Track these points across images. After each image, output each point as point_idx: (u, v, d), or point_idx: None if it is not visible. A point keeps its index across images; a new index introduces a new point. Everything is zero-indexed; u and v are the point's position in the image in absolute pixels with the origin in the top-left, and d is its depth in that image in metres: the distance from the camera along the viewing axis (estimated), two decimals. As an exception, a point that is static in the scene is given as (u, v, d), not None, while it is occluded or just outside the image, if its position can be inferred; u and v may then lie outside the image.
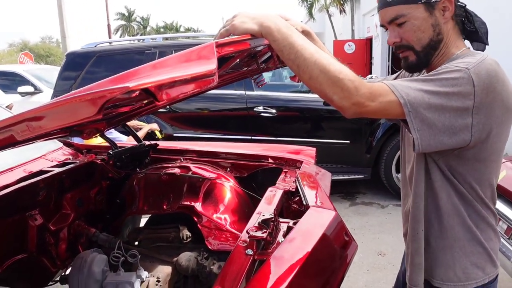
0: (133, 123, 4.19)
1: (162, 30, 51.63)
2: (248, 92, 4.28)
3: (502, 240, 2.05)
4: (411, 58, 1.11)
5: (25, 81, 7.96)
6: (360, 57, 13.09)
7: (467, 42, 1.14)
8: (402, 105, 0.95)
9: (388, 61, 12.13)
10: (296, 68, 0.98)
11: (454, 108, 0.95)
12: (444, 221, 1.12)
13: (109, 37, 19.05)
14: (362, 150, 4.14)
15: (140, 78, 0.77)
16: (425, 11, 1.05)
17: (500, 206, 2.19)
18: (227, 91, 4.38)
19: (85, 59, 4.72)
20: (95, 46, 4.87)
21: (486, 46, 1.13)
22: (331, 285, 1.15)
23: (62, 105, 0.81)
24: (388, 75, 11.73)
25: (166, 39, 5.18)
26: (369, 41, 13.41)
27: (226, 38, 1.02)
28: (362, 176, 4.18)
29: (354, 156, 4.19)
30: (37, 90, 7.80)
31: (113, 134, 3.93)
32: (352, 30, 15.19)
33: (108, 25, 19.42)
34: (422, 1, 1.04)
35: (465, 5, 1.11)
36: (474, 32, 1.12)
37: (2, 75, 8.23)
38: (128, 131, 2.41)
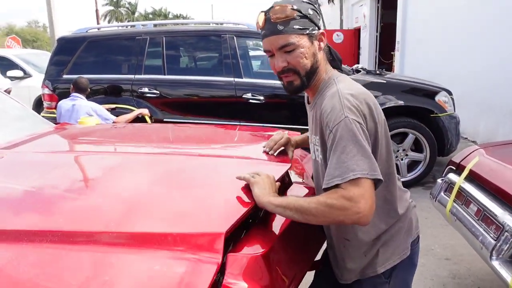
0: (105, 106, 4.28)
1: (150, 16, 51.01)
2: (237, 79, 4.38)
3: (472, 220, 2.20)
4: (296, 82, 1.26)
5: (14, 65, 7.93)
6: (349, 47, 13.19)
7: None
8: (367, 177, 1.07)
9: (376, 51, 12.28)
10: (301, 218, 1.13)
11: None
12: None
13: (97, 23, 18.84)
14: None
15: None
16: (308, 40, 1.21)
17: (471, 189, 2.35)
18: (217, 78, 4.48)
19: (76, 44, 4.76)
20: (86, 32, 4.90)
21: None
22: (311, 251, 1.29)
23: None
24: (375, 65, 11.83)
25: (156, 25, 5.22)
26: (357, 31, 13.52)
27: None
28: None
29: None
30: (26, 75, 7.78)
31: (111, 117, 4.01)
32: (341, 20, 15.26)
33: (97, 11, 19.22)
34: (307, 32, 1.21)
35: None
36: (333, 60, 1.34)
37: (-10, 59, 8.17)
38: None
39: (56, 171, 1.57)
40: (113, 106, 4.46)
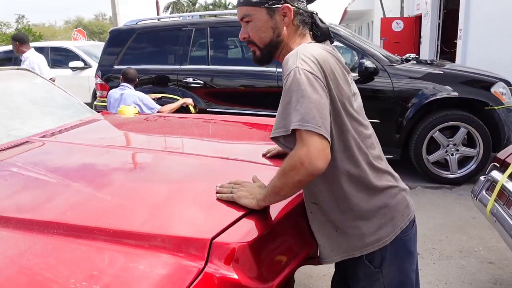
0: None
1: (210, 7, 51.80)
2: (279, 69, 4.34)
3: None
4: (257, 53, 1.27)
5: (76, 57, 8.40)
6: (408, 36, 12.59)
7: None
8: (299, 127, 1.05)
9: (438, 40, 11.60)
10: (280, 196, 1.17)
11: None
12: None
13: (157, 14, 19.42)
14: (391, 130, 4.10)
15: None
16: (266, 14, 1.21)
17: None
18: (259, 67, 4.46)
19: (126, 35, 4.95)
20: (136, 24, 5.07)
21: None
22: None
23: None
24: (437, 55, 11.24)
25: (202, 16, 5.28)
26: (418, 19, 12.85)
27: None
28: (391, 157, 4.15)
29: (383, 136, 4.13)
30: (86, 65, 8.22)
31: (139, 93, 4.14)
32: (401, 8, 14.58)
33: (157, 2, 19.80)
34: (265, 5, 1.20)
35: (316, 13, 1.29)
36: (320, 36, 1.28)
37: (56, 51, 8.71)
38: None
39: (77, 162, 1.65)
40: (159, 95, 4.60)
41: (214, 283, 0.95)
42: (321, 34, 1.28)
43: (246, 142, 2.21)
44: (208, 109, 4.58)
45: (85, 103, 3.02)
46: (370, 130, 1.26)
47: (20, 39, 4.89)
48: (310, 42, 1.24)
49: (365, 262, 1.24)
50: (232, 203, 1.23)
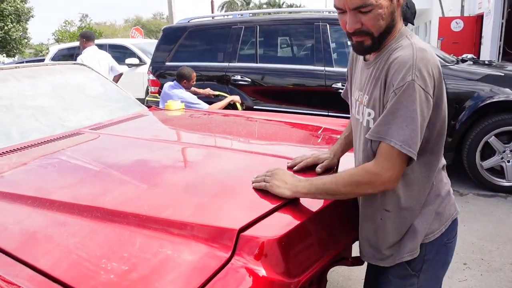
0: (206, 91, 4.50)
1: (264, 6, 52.04)
2: (327, 68, 4.29)
3: None
4: (367, 43, 1.14)
5: (133, 54, 8.76)
6: (469, 36, 11.98)
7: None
8: (401, 148, 1.06)
9: (500, 40, 10.96)
10: (333, 197, 1.21)
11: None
12: None
13: (212, 13, 19.80)
14: (443, 133, 3.92)
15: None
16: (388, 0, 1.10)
17: None
18: (307, 66, 4.44)
19: (178, 33, 5.09)
20: (188, 22, 5.20)
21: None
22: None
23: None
24: (498, 56, 10.61)
25: (252, 15, 5.34)
26: (479, 18, 12.20)
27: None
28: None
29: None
30: (141, 62, 8.54)
31: (185, 94, 4.24)
32: (462, 6, 13.91)
33: (212, 2, 20.20)
34: None
35: None
36: (408, 17, 1.22)
37: (114, 48, 9.13)
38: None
39: (120, 153, 1.73)
40: (217, 93, 4.64)
41: (239, 274, 0.96)
42: (410, 9, 1.22)
43: (286, 140, 2.20)
44: (254, 107, 4.62)
45: (138, 99, 3.14)
46: None
47: (87, 37, 5.33)
48: (403, 26, 1.19)
49: (403, 263, 1.21)
50: (266, 196, 1.24)
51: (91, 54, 5.17)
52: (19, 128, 2.05)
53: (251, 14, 5.24)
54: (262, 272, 0.99)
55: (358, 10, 1.08)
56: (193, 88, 4.47)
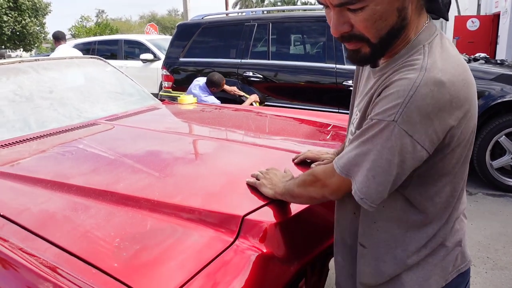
0: (232, 89, 4.57)
1: (279, 4, 52.00)
2: (338, 66, 4.32)
3: None
4: (365, 51, 0.86)
5: (147, 49, 8.88)
6: (485, 36, 11.85)
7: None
8: (361, 201, 0.86)
9: (517, 40, 10.82)
10: (293, 200, 1.16)
11: None
12: None
13: (226, 9, 19.84)
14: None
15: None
16: None
17: None
18: (318, 64, 4.47)
19: (192, 29, 5.17)
20: (202, 18, 5.27)
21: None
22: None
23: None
24: (515, 56, 10.43)
25: (265, 12, 5.38)
26: (496, 18, 12.06)
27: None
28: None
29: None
30: (156, 58, 8.66)
31: (209, 98, 4.32)
32: (478, 5, 13.75)
33: (226, -1, 20.21)
34: None
35: None
36: (435, 11, 0.85)
37: (129, 43, 9.27)
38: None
39: (134, 143, 1.81)
40: (242, 93, 4.67)
41: (243, 254, 1.03)
42: (436, 9, 0.84)
43: (294, 135, 2.26)
44: (266, 103, 4.68)
45: (152, 93, 3.23)
46: None
47: (56, 37, 5.95)
48: (426, 23, 0.86)
49: None
50: None
51: (62, 53, 5.61)
52: (39, 117, 2.15)
53: (264, 12, 5.28)
54: (264, 250, 1.06)
55: (345, 6, 0.80)
56: None
